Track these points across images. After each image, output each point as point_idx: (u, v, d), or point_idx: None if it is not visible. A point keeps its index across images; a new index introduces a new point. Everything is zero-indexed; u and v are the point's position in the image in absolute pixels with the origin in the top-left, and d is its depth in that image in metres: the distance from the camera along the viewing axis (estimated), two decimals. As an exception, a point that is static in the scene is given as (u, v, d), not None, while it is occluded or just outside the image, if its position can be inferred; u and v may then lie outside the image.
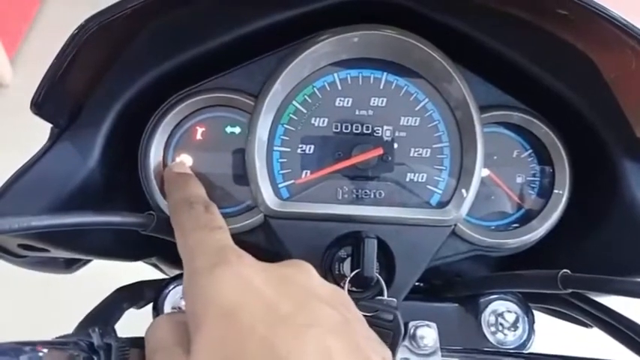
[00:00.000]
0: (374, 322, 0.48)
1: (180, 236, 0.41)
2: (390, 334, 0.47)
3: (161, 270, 0.69)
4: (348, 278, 0.51)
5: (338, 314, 0.34)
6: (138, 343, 0.41)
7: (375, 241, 0.50)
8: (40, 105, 0.44)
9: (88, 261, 0.59)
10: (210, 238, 0.39)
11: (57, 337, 0.42)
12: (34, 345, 0.37)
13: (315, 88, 0.54)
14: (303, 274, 0.37)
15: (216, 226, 0.41)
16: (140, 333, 0.47)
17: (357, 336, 0.34)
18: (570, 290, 0.44)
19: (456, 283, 0.57)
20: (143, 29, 0.49)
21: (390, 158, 0.54)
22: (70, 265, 0.59)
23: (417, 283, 0.54)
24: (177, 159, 0.55)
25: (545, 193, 0.56)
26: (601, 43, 0.48)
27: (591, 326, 0.53)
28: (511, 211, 0.57)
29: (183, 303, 0.53)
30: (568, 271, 0.45)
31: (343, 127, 0.54)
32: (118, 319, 0.48)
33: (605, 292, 0.44)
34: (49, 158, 0.48)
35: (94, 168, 0.49)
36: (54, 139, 0.48)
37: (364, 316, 0.47)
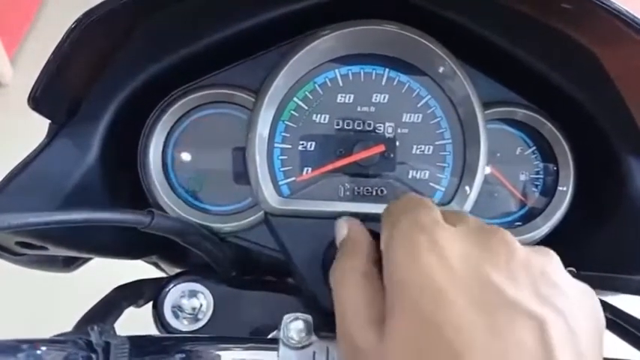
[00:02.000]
0: None
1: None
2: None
3: (162, 269, 0.69)
4: None
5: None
6: (137, 342, 0.41)
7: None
8: (38, 100, 0.43)
9: (87, 260, 0.59)
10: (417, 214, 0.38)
11: (55, 335, 0.41)
12: (32, 343, 0.37)
13: (316, 85, 0.53)
14: (498, 257, 0.34)
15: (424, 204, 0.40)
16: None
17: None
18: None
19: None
20: (142, 24, 0.48)
21: (392, 155, 0.53)
22: (69, 264, 0.59)
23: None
24: (177, 155, 0.54)
25: (549, 190, 0.55)
26: (605, 39, 0.47)
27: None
28: (514, 209, 0.56)
29: (183, 301, 0.52)
30: (573, 269, 0.44)
31: (345, 124, 0.53)
32: (118, 317, 0.48)
33: (610, 290, 0.44)
34: (47, 155, 0.47)
35: (92, 164, 0.48)
36: (52, 136, 0.47)
37: None
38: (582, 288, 0.35)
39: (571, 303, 0.32)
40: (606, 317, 0.49)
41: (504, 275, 0.32)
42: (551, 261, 0.35)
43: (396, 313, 0.33)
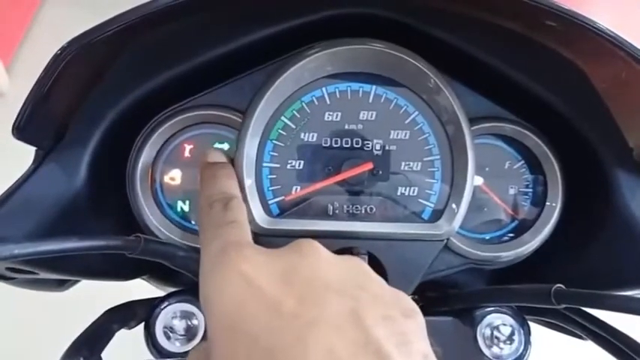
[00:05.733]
0: None
1: (200, 238, 0.40)
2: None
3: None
4: None
5: (347, 301, 0.31)
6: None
7: (367, 258, 0.50)
8: (23, 128, 0.43)
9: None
10: (217, 236, 0.37)
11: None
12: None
13: (303, 103, 0.53)
14: (309, 257, 0.35)
15: (227, 221, 0.39)
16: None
17: (367, 323, 0.30)
18: (564, 306, 0.44)
19: (450, 297, 0.56)
20: (128, 47, 0.48)
21: (380, 172, 0.53)
22: (62, 284, 0.59)
23: (411, 296, 0.54)
24: (166, 177, 0.54)
25: (539, 204, 0.56)
26: (591, 54, 0.47)
27: (586, 339, 0.53)
28: (504, 223, 0.56)
29: (175, 322, 0.52)
30: (562, 285, 0.44)
31: (333, 142, 0.53)
32: (107, 342, 0.47)
33: (598, 307, 0.43)
34: (34, 180, 0.47)
35: (81, 188, 0.48)
36: (39, 161, 0.47)
37: None
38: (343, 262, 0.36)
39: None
40: (593, 331, 0.50)
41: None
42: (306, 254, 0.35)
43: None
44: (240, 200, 0.42)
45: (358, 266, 0.36)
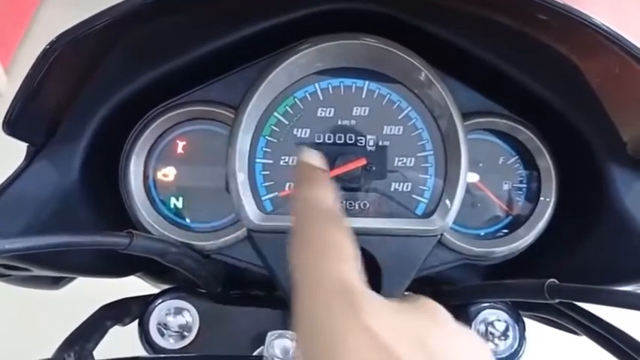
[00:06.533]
0: None
1: (297, 250, 0.34)
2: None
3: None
4: None
5: None
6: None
7: (359, 253, 0.49)
8: (14, 124, 0.43)
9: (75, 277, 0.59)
10: (333, 271, 0.31)
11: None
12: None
13: (296, 99, 0.53)
14: (442, 325, 0.31)
15: (344, 255, 0.33)
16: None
17: None
18: (558, 300, 0.44)
19: (445, 293, 0.56)
20: (119, 42, 0.48)
21: (373, 168, 0.53)
22: (57, 281, 0.59)
23: (405, 293, 0.54)
24: (159, 173, 0.54)
25: (533, 200, 0.55)
26: (584, 48, 0.47)
27: (581, 334, 0.52)
28: (498, 219, 0.56)
29: (169, 319, 0.52)
30: (555, 280, 0.44)
31: (326, 138, 0.53)
32: (100, 339, 0.47)
33: (592, 302, 0.43)
34: (26, 177, 0.47)
35: (73, 185, 0.48)
36: (30, 158, 0.47)
37: None
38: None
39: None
40: (588, 327, 0.50)
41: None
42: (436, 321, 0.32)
43: None
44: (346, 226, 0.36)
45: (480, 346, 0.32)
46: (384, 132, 0.53)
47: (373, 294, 0.31)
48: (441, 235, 0.53)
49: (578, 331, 0.52)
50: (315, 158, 0.41)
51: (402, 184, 0.53)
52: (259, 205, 0.53)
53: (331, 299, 0.30)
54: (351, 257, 0.33)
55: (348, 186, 0.53)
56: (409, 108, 0.53)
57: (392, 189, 0.53)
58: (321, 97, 0.53)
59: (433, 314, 0.32)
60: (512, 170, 0.56)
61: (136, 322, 0.53)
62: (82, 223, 0.50)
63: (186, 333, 0.52)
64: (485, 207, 0.56)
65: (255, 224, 0.51)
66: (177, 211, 0.54)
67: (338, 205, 0.38)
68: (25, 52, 2.12)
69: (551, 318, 0.55)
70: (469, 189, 0.55)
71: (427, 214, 0.53)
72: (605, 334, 0.47)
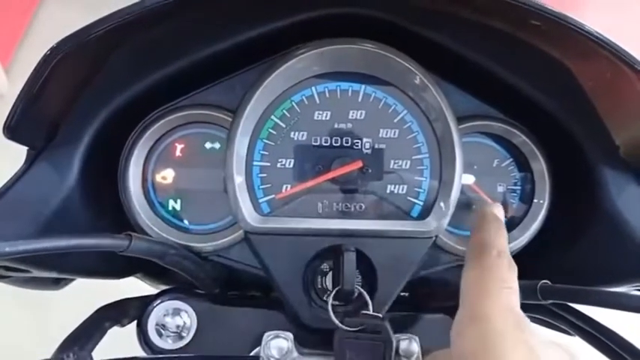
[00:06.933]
0: (362, 337, 0.48)
1: (477, 277, 0.43)
2: (381, 346, 0.47)
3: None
4: (332, 293, 0.51)
5: None
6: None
7: (354, 255, 0.50)
8: (14, 128, 0.44)
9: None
10: (506, 297, 0.40)
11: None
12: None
13: (293, 103, 0.54)
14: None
15: (513, 287, 0.41)
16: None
17: None
18: (550, 301, 0.44)
19: (440, 294, 0.57)
20: (119, 47, 0.48)
21: (370, 171, 0.54)
22: (57, 282, 0.60)
23: (402, 294, 0.54)
24: (158, 176, 0.55)
25: (527, 202, 0.56)
26: (576, 53, 0.47)
27: (574, 335, 0.53)
28: None
29: (167, 320, 0.53)
30: (548, 281, 0.44)
31: (322, 141, 0.54)
32: (99, 340, 0.48)
33: (583, 303, 0.44)
34: (26, 180, 0.48)
35: (73, 188, 0.49)
36: (31, 161, 0.48)
37: (351, 331, 0.48)
38: None
39: None
40: (580, 327, 0.50)
41: None
42: None
43: None
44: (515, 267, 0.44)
45: None
46: (380, 135, 0.54)
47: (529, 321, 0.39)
48: (436, 236, 0.53)
49: (571, 332, 0.53)
50: (500, 210, 0.49)
51: (397, 186, 0.54)
52: (256, 207, 0.53)
53: (502, 315, 0.38)
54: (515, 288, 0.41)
55: (345, 188, 0.54)
56: (405, 111, 0.54)
57: (388, 191, 0.54)
58: (318, 101, 0.54)
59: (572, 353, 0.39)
60: (507, 173, 0.57)
61: (135, 322, 0.54)
62: (82, 225, 0.50)
63: (184, 333, 0.53)
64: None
65: (253, 226, 0.52)
66: (175, 214, 0.55)
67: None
68: (25, 52, 2.13)
69: (545, 318, 0.55)
70: (464, 191, 0.55)
71: (422, 216, 0.54)
72: (597, 335, 0.48)
